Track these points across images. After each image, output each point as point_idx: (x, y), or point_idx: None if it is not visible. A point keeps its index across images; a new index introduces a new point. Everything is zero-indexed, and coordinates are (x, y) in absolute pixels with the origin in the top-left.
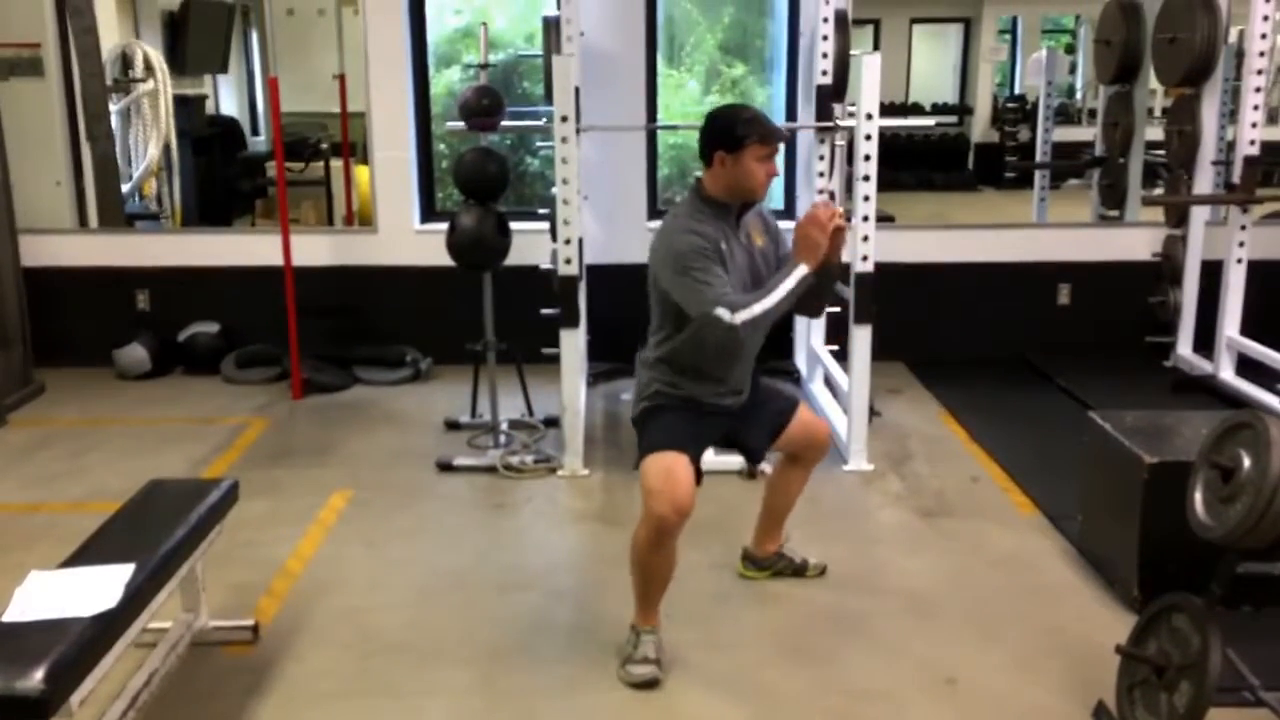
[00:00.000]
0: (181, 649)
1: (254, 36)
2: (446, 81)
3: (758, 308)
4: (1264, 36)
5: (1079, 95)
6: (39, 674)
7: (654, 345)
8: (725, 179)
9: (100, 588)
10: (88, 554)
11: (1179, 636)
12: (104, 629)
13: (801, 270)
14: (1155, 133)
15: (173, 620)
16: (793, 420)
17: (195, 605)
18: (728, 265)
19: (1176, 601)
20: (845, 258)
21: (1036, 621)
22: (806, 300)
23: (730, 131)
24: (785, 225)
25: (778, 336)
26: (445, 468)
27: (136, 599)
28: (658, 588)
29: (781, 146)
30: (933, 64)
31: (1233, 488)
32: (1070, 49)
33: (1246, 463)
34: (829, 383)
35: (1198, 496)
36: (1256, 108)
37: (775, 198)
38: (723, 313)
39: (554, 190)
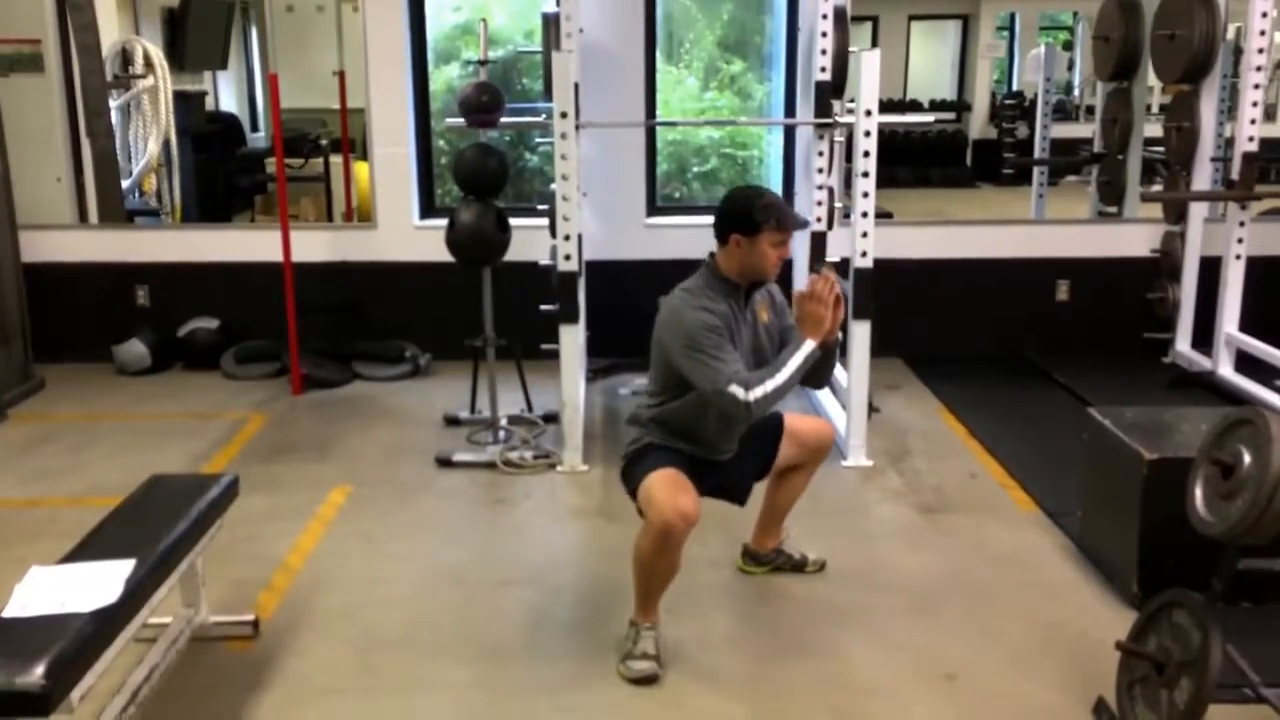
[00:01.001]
0: (182, 644)
1: (253, 33)
2: (446, 78)
3: (770, 385)
4: (1263, 33)
5: (1076, 92)
6: (40, 669)
7: (650, 405)
8: (738, 260)
9: (101, 583)
10: (88, 549)
11: (1179, 633)
12: (104, 624)
13: (809, 346)
14: (1153, 129)
15: (173, 616)
16: (781, 443)
17: (195, 600)
18: (735, 343)
19: (1177, 598)
20: (845, 253)
21: (1036, 617)
22: (813, 372)
23: (748, 216)
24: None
25: None
26: (445, 463)
27: (137, 594)
28: (659, 588)
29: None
30: (931, 60)
31: (1233, 484)
32: (1068, 45)
33: (1247, 459)
34: None
35: (1198, 493)
36: (1255, 104)
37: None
38: (737, 390)
39: (553, 186)
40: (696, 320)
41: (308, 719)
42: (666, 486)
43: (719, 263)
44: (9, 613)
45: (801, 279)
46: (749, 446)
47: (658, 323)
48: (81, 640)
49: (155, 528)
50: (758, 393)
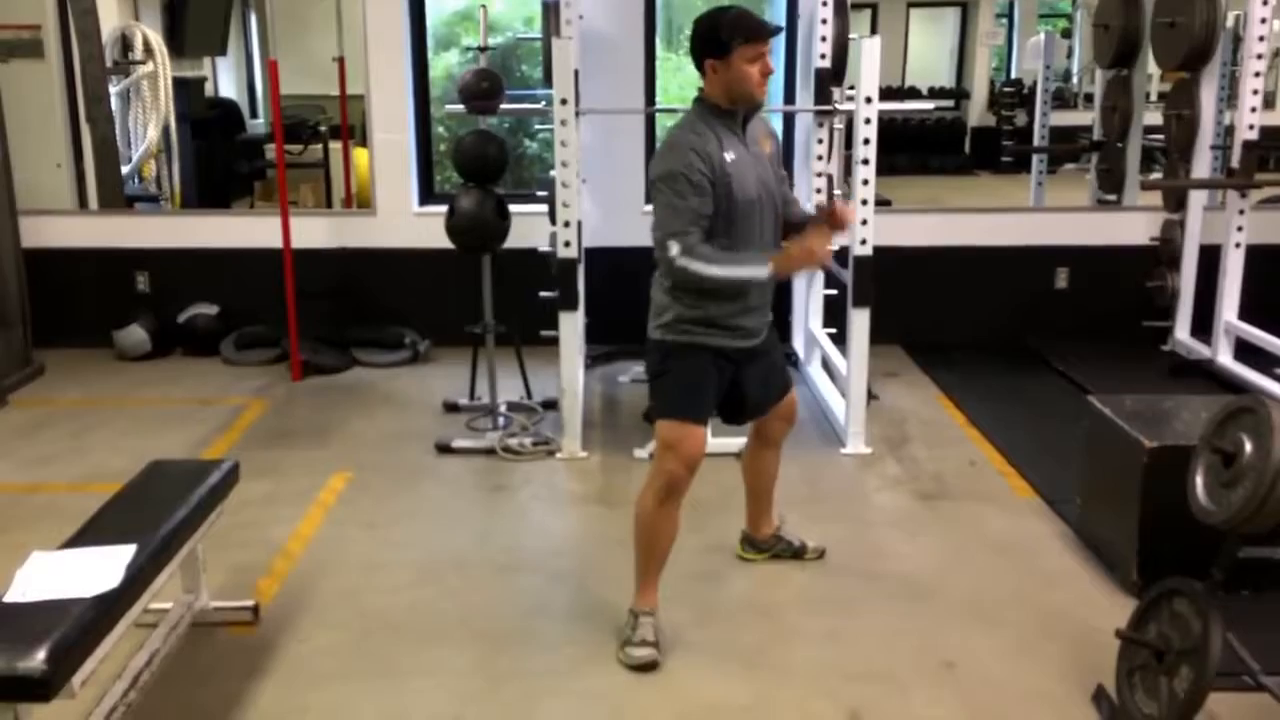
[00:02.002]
0: (182, 629)
1: (253, 19)
2: (444, 64)
3: (705, 269)
4: (1263, 20)
5: (1075, 79)
6: (41, 654)
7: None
8: (721, 85)
9: (102, 568)
10: (89, 534)
11: (1180, 621)
12: (106, 609)
13: (766, 271)
14: (1152, 117)
15: (173, 601)
16: (785, 399)
17: (196, 586)
18: (732, 178)
19: (1177, 586)
20: (844, 241)
21: (1035, 605)
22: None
23: (715, 37)
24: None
25: (774, 319)
26: (444, 450)
27: (138, 580)
28: (659, 555)
29: (778, 39)
30: (929, 48)
31: (1234, 472)
32: (1066, 33)
33: (1248, 448)
34: (826, 366)
35: (1199, 481)
36: (1256, 92)
37: None
38: (674, 246)
39: (553, 173)
40: (677, 163)
41: (308, 704)
42: (678, 433)
43: (705, 94)
44: (10, 597)
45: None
46: (774, 364)
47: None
48: (83, 625)
49: (156, 513)
50: (690, 262)
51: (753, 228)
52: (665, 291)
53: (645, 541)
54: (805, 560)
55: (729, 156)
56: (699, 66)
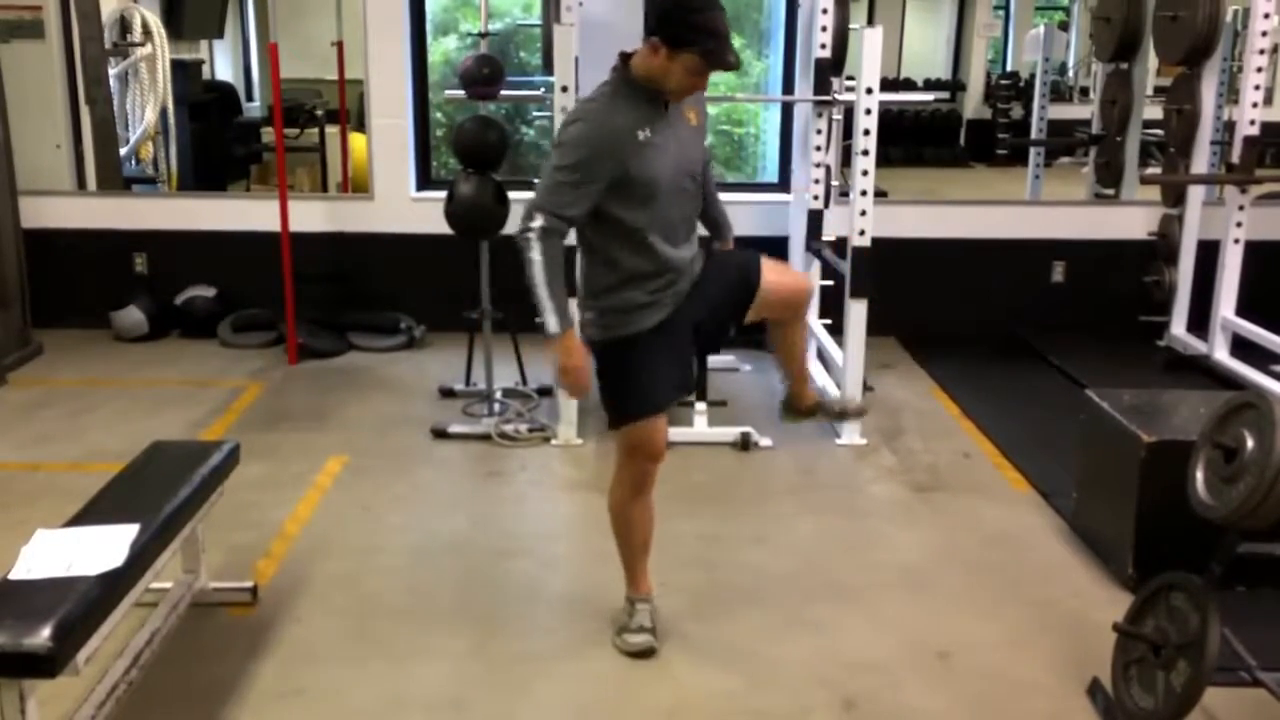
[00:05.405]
0: (182, 609)
1: (250, 2)
2: (443, 50)
3: (535, 263)
4: (1266, 15)
5: (1071, 73)
6: (46, 631)
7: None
8: (650, 68)
9: (105, 547)
10: (91, 514)
11: (1177, 615)
12: (110, 588)
13: (552, 329)
14: (1151, 112)
15: (173, 581)
16: (760, 285)
17: (196, 566)
18: (641, 159)
19: (1175, 580)
20: (841, 232)
21: (1030, 597)
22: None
23: (678, 27)
24: (778, 197)
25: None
26: (440, 435)
27: (141, 559)
28: (641, 545)
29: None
30: (926, 39)
31: (1235, 468)
32: (1064, 25)
33: (1250, 443)
34: (822, 356)
35: (1199, 476)
36: (1258, 87)
37: (770, 172)
38: (539, 219)
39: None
40: (578, 137)
41: (305, 685)
42: (642, 436)
43: (634, 62)
44: (15, 575)
45: (798, 255)
46: (718, 274)
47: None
48: (88, 603)
49: (158, 493)
50: (534, 249)
51: (664, 211)
52: (586, 292)
53: (624, 534)
54: (849, 418)
55: (643, 135)
56: (646, 31)
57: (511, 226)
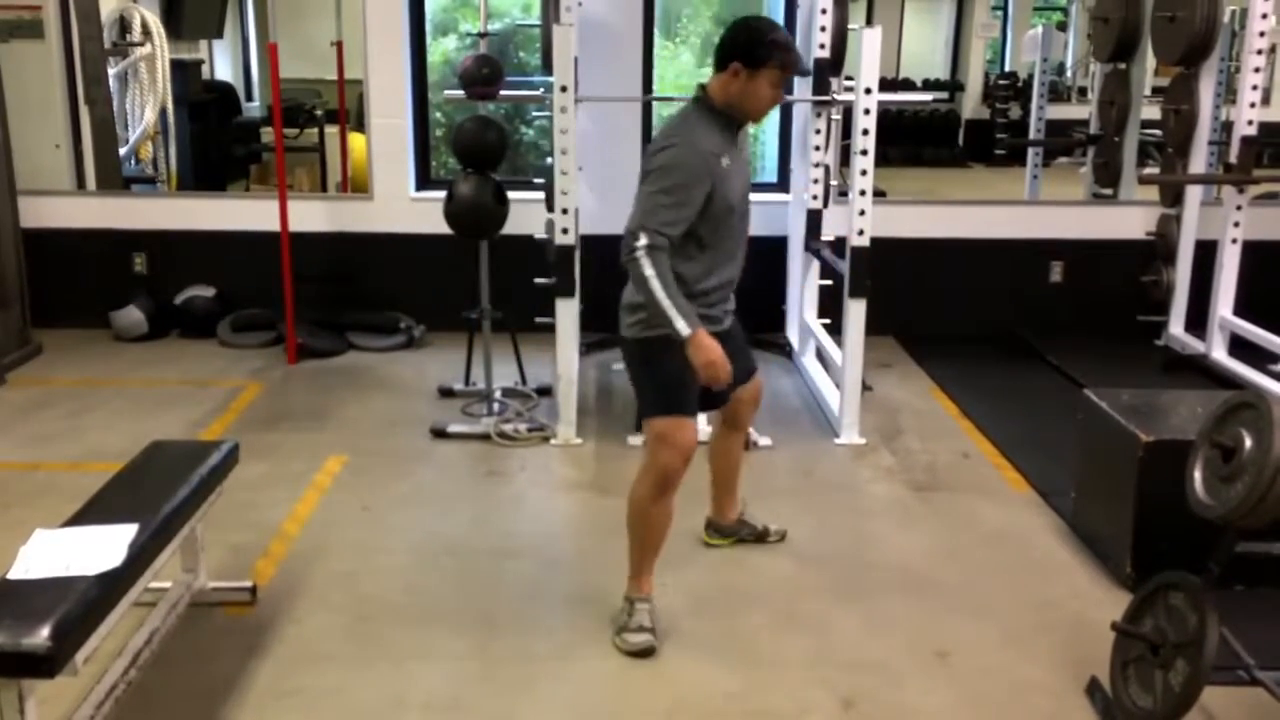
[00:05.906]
0: (181, 609)
1: (250, 2)
2: (442, 50)
3: (651, 279)
4: (1264, 16)
5: (1069, 73)
6: (45, 631)
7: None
8: (733, 93)
9: (104, 547)
10: (90, 513)
11: (1175, 614)
12: (108, 588)
13: (684, 334)
14: (1148, 112)
15: (173, 581)
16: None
17: (195, 566)
18: (723, 183)
19: (1173, 580)
20: (840, 232)
21: (1028, 597)
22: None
23: (755, 47)
24: (777, 197)
25: (768, 309)
26: (439, 434)
27: (140, 559)
28: (654, 546)
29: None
30: (924, 39)
31: (1234, 467)
32: (1062, 26)
33: (1248, 443)
34: (821, 356)
35: (1197, 475)
36: (1255, 88)
37: (769, 172)
38: (644, 238)
39: (550, 160)
40: (689, 166)
41: (304, 685)
42: (672, 428)
43: (712, 92)
44: (14, 574)
45: (798, 255)
46: (740, 347)
47: (647, 154)
48: (87, 603)
49: (157, 493)
50: (645, 264)
51: (731, 232)
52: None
53: (641, 533)
54: (769, 543)
55: (724, 162)
56: (721, 64)
57: (511, 227)
